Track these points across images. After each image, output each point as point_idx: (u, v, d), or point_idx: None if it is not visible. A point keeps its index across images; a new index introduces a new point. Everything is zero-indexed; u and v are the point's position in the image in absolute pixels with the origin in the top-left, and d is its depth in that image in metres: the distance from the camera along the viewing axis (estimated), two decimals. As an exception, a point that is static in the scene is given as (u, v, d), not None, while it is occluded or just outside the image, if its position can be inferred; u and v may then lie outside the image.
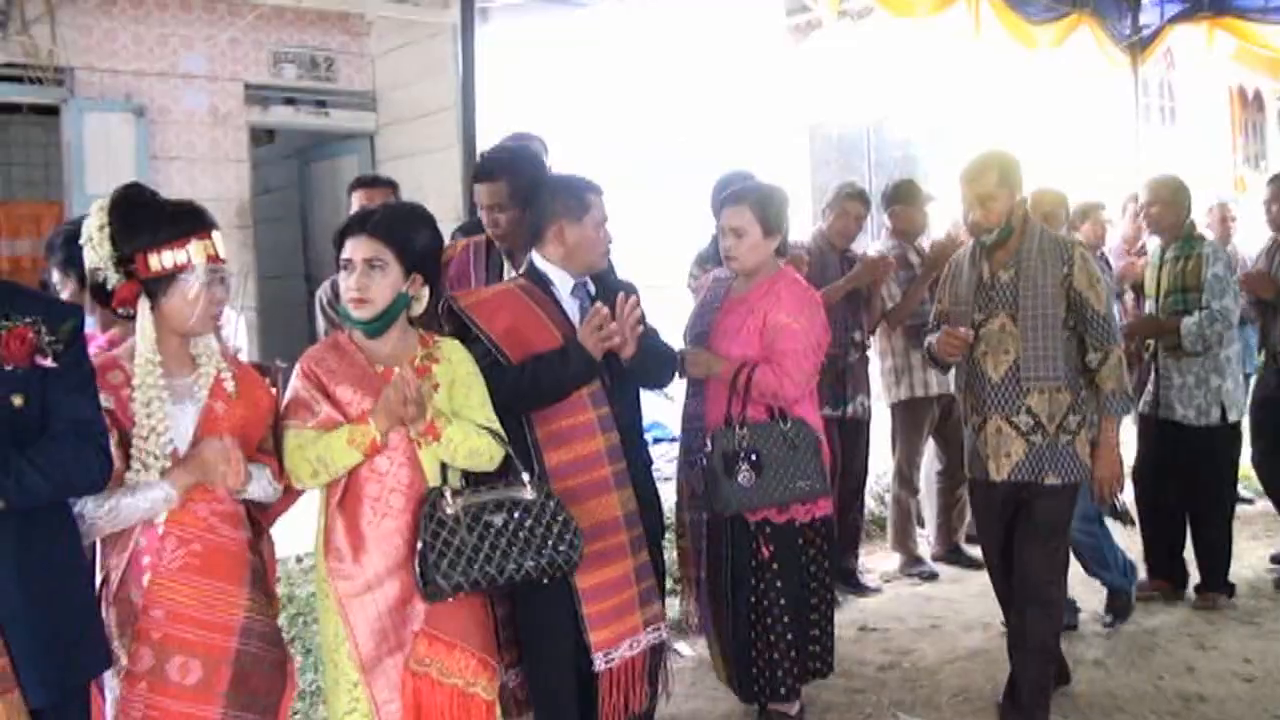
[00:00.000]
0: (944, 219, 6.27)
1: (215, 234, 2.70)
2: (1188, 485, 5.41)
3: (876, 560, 6.20)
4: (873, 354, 5.84)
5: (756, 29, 10.49)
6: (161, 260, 2.62)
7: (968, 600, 5.50)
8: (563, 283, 3.45)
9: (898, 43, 9.91)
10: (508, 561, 2.88)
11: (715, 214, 4.48)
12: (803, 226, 6.25)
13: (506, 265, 3.85)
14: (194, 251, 2.63)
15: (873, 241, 6.82)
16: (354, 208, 5.00)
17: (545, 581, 2.99)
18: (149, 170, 8.54)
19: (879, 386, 5.94)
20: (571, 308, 3.43)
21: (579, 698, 3.33)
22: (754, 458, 3.68)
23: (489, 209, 3.76)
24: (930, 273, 5.45)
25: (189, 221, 2.66)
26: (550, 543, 2.95)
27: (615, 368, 3.36)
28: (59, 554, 2.39)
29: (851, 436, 5.53)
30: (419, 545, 2.83)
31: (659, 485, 3.82)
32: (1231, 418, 5.35)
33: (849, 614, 5.29)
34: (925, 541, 6.27)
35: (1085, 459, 3.97)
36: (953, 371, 4.25)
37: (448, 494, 2.89)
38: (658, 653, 3.48)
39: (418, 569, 2.84)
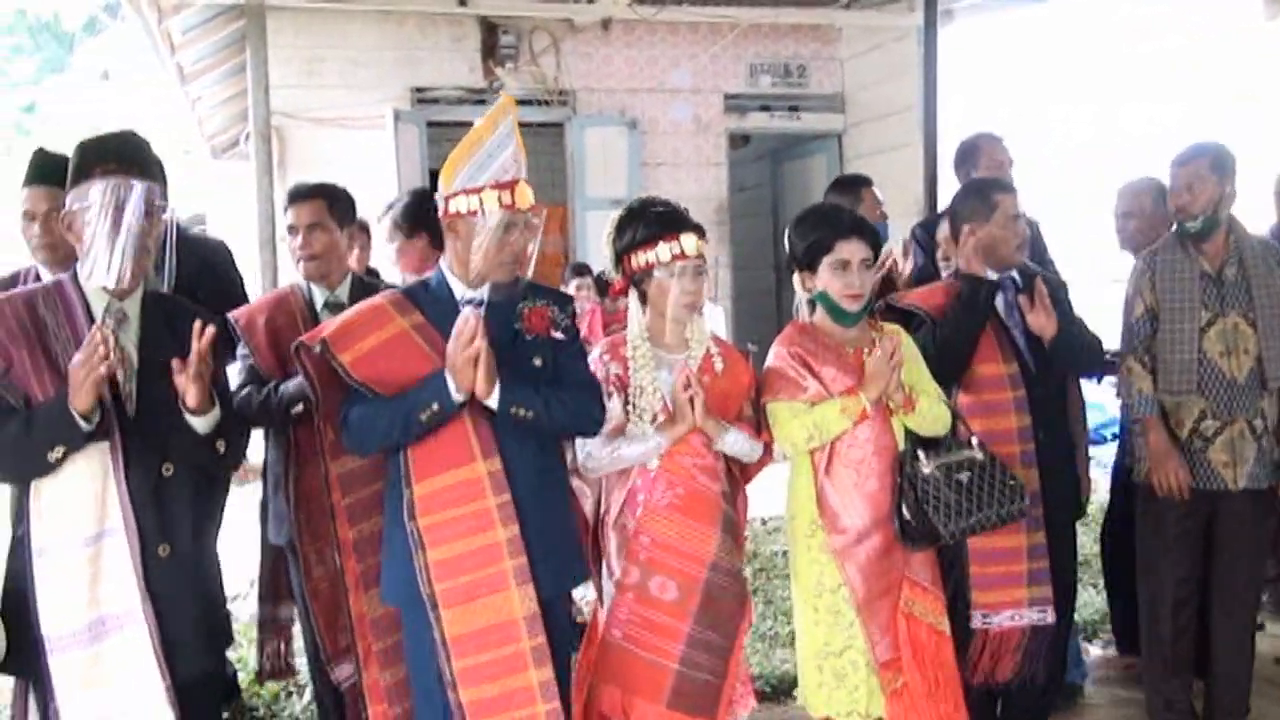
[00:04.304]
0: None
1: (684, 236, 3.17)
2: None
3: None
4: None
5: (1229, 5, 9.95)
6: (637, 259, 3.20)
7: None
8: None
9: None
10: (980, 512, 3.26)
11: None
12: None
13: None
14: (660, 252, 3.16)
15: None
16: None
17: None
18: (640, 176, 9.55)
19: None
20: (998, 301, 3.69)
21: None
22: None
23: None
24: None
25: (658, 226, 3.19)
26: (1004, 496, 3.30)
27: (1039, 353, 3.63)
28: (558, 491, 3.05)
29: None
30: (903, 501, 3.26)
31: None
32: None
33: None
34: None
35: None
36: (1172, 373, 3.89)
37: (921, 455, 3.30)
38: (1040, 634, 3.60)
39: (898, 522, 3.27)
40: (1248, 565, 3.92)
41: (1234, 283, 3.82)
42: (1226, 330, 3.82)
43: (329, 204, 3.67)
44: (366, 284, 3.72)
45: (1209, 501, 3.89)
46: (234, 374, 3.65)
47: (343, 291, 3.65)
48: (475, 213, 2.86)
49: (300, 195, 3.68)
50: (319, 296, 3.66)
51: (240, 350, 3.59)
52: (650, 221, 3.20)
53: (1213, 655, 3.98)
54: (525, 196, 2.88)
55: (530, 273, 3.00)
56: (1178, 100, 10.36)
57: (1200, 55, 10.48)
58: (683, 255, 3.16)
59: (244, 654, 4.84)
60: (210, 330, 2.68)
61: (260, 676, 4.07)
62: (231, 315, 3.52)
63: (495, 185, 2.85)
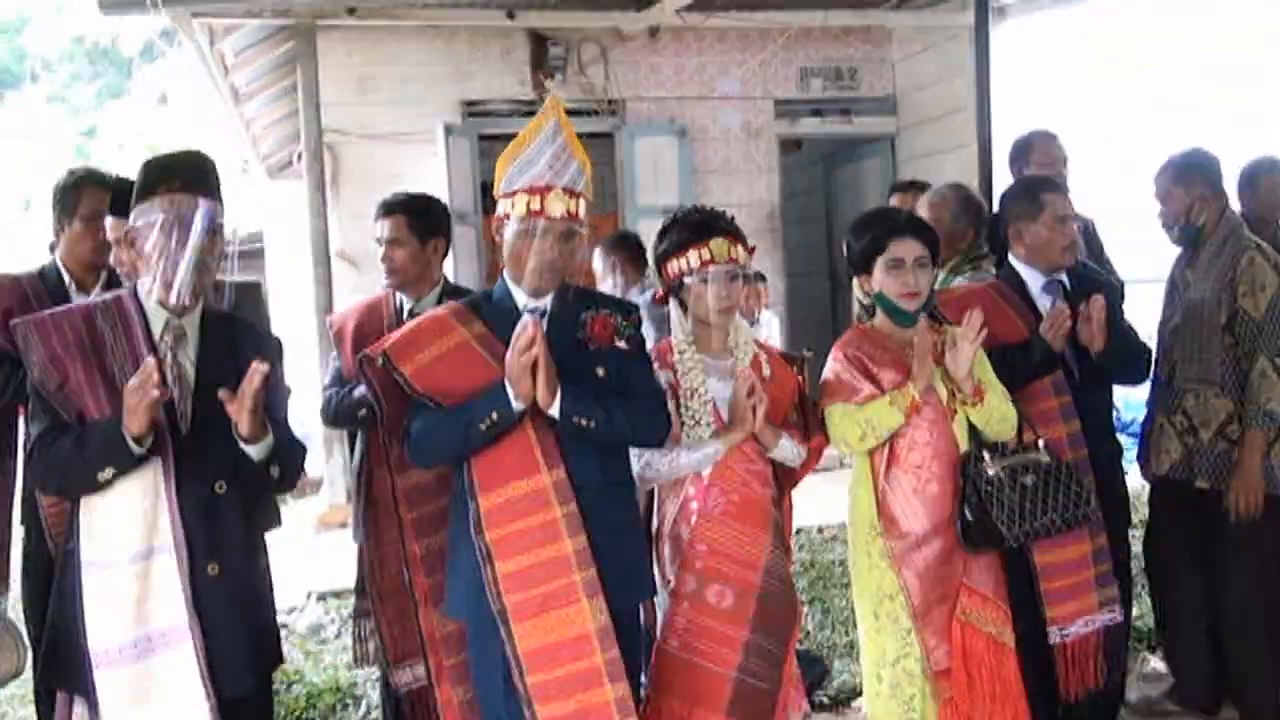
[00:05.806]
0: None
1: (713, 241, 3.11)
2: None
3: None
4: None
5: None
6: (671, 267, 3.19)
7: None
8: (1033, 280, 3.68)
9: None
10: (1044, 516, 3.22)
11: None
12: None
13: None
14: (690, 258, 3.13)
15: None
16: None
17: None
18: (691, 184, 9.50)
19: None
20: (1044, 304, 3.63)
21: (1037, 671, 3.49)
22: None
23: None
24: None
25: (688, 232, 3.17)
26: (1070, 501, 3.26)
27: (1085, 362, 3.56)
28: (624, 503, 3.02)
29: None
30: (966, 503, 3.20)
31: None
32: None
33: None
34: None
35: None
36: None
37: (986, 457, 3.25)
38: (1112, 634, 3.56)
39: (960, 524, 3.21)
40: (1237, 572, 3.84)
41: (1186, 288, 3.93)
42: (1169, 332, 3.97)
43: (409, 219, 3.72)
44: (458, 293, 3.71)
45: (1177, 491, 3.96)
46: (326, 375, 3.76)
47: (428, 302, 3.69)
48: (508, 216, 2.88)
49: (385, 210, 3.75)
50: (406, 305, 3.73)
51: (331, 353, 3.73)
52: (681, 229, 3.19)
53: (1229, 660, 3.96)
54: (555, 204, 2.85)
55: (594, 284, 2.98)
56: (1232, 98, 10.20)
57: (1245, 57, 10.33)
58: (711, 261, 3.12)
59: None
60: (263, 368, 2.63)
61: (356, 662, 3.99)
62: (328, 319, 3.62)
63: (527, 190, 2.85)
